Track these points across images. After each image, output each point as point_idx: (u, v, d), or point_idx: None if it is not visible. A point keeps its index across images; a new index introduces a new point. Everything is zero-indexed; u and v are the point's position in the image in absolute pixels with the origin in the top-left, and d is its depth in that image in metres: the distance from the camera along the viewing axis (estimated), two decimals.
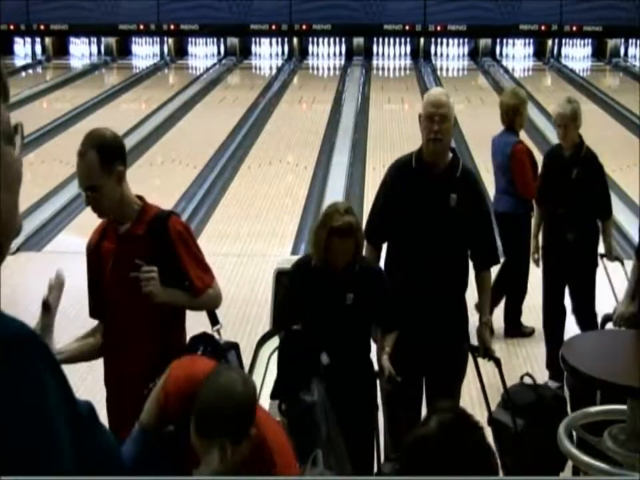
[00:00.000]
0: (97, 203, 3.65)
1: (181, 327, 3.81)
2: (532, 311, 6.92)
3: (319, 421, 3.87)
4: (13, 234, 1.27)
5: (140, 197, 3.79)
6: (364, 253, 4.50)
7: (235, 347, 3.73)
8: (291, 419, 3.98)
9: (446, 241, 4.54)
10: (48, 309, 2.01)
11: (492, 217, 4.69)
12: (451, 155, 4.60)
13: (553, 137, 13.22)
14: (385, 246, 4.79)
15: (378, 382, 4.36)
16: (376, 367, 4.37)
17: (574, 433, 4.06)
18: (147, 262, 3.61)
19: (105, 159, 3.60)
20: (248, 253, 8.58)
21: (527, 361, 6.27)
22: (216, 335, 3.78)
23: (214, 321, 3.89)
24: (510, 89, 7.68)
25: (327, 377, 4.01)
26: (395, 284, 4.45)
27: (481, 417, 5.45)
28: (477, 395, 5.48)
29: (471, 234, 4.60)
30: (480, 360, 4.68)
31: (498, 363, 4.62)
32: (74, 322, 5.29)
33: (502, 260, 6.07)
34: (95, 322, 3.86)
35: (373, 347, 4.42)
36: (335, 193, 10.13)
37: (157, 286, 3.57)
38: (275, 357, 4.93)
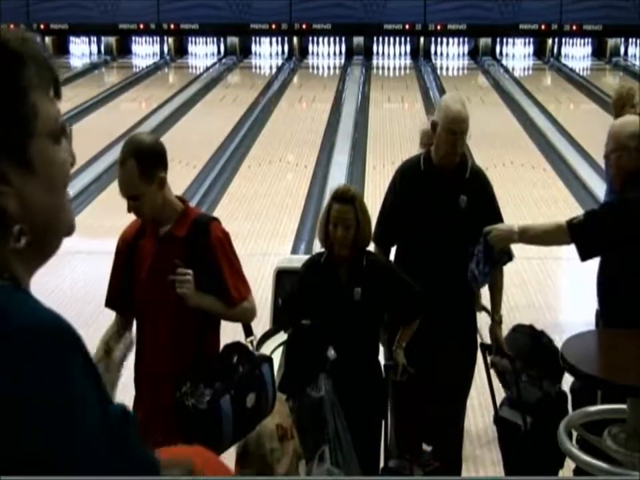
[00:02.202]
0: (138, 210, 3.62)
1: (215, 332, 3.76)
2: (531, 308, 6.93)
3: (326, 417, 3.88)
4: (58, 233, 1.26)
5: (181, 199, 3.75)
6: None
7: (269, 360, 3.66)
8: (298, 415, 3.99)
9: (456, 242, 4.51)
10: (109, 352, 1.94)
11: (502, 216, 4.67)
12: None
13: (554, 137, 13.27)
14: (392, 250, 4.76)
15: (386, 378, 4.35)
16: (382, 360, 4.38)
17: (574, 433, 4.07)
18: (184, 265, 3.58)
19: (144, 168, 3.56)
20: (248, 252, 8.57)
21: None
22: (250, 347, 3.74)
23: (248, 332, 3.86)
24: (621, 85, 7.79)
25: (334, 372, 4.01)
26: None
27: (480, 415, 5.46)
28: (475, 394, 5.48)
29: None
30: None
31: (512, 360, 4.61)
32: (76, 320, 5.27)
33: None
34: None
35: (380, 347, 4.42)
36: None
37: (191, 289, 3.54)
38: (275, 355, 4.92)
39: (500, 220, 4.65)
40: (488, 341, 4.67)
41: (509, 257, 4.57)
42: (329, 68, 21.88)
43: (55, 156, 1.24)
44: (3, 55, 1.20)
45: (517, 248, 8.67)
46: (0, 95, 1.18)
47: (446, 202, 4.51)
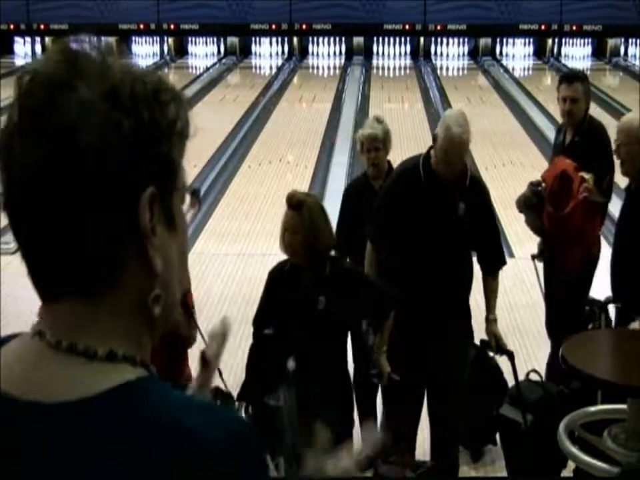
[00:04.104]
0: None
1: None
2: (534, 309, 6.93)
3: (283, 427, 3.80)
4: (178, 306, 1.07)
5: None
6: (368, 260, 4.49)
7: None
8: (256, 423, 3.93)
9: (452, 248, 4.53)
10: (206, 362, 1.68)
11: (497, 222, 4.72)
12: None
13: (553, 137, 13.26)
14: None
15: (374, 382, 4.34)
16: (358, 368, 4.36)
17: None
18: None
19: None
20: (248, 252, 8.57)
21: (528, 361, 6.26)
22: None
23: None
24: None
25: (295, 382, 3.91)
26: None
27: None
28: None
29: (477, 241, 4.60)
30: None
31: (511, 356, 4.61)
32: None
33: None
34: None
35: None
36: (335, 192, 10.12)
37: None
38: None
39: (495, 228, 4.72)
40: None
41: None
42: (328, 68, 21.88)
43: (185, 217, 1.06)
44: (164, 97, 1.01)
45: (516, 248, 8.67)
46: (155, 131, 0.99)
47: (445, 209, 4.51)
